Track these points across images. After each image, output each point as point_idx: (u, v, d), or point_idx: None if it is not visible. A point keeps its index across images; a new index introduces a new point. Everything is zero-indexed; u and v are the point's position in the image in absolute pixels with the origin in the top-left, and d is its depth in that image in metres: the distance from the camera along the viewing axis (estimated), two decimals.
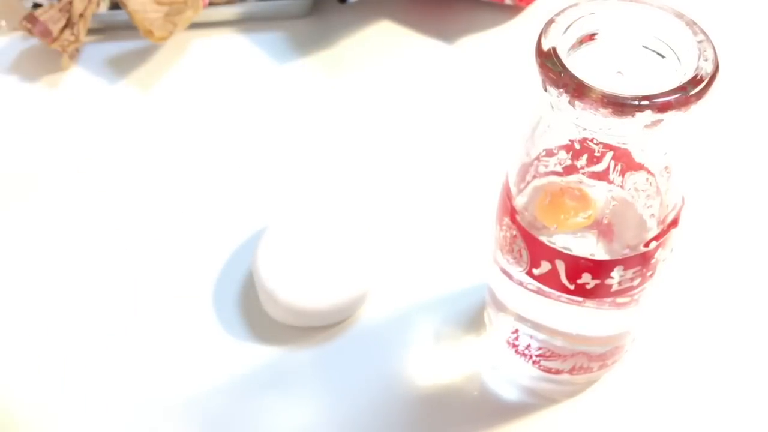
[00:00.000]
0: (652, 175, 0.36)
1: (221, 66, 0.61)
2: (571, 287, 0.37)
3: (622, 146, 0.34)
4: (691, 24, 0.33)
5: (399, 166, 0.54)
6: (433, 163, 0.54)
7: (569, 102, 0.31)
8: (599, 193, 0.36)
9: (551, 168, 0.36)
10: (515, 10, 0.63)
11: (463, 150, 0.55)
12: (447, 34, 0.62)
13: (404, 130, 0.56)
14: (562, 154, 0.35)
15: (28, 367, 0.45)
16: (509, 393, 0.44)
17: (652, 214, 0.36)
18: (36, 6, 0.60)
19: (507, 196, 0.37)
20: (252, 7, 0.63)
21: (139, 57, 0.61)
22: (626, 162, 0.35)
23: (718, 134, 0.54)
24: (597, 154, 0.34)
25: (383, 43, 0.62)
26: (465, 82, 0.59)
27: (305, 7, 0.63)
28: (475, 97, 0.58)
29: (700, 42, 0.32)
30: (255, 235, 0.50)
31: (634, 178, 0.36)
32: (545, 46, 0.32)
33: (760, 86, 0.58)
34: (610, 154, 0.35)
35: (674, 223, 0.36)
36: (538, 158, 0.36)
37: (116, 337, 0.46)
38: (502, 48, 0.61)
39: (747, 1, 0.63)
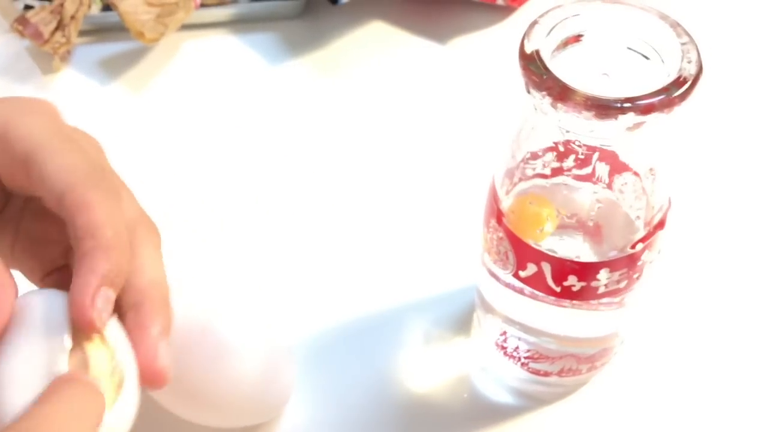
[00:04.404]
0: (638, 176, 0.36)
1: (213, 67, 0.61)
2: (558, 289, 0.37)
3: (607, 148, 0.34)
4: (675, 26, 0.33)
5: (390, 166, 0.54)
6: (424, 164, 0.54)
7: (552, 105, 0.31)
8: (585, 194, 0.36)
9: (538, 170, 0.36)
10: (507, 10, 0.63)
11: (455, 151, 0.55)
12: (439, 34, 0.62)
13: (396, 130, 0.56)
14: (548, 157, 0.35)
15: None
16: (498, 395, 0.44)
17: (639, 216, 0.36)
18: (27, 8, 0.60)
19: (493, 198, 0.37)
20: (244, 9, 0.63)
21: (131, 59, 0.61)
22: (612, 163, 0.35)
23: (704, 136, 0.54)
24: (581, 156, 0.34)
25: (375, 43, 0.62)
26: (457, 83, 0.59)
27: (297, 8, 0.63)
28: (467, 97, 0.58)
29: (683, 44, 0.32)
30: None
31: (620, 179, 0.36)
32: (528, 49, 0.32)
33: (744, 88, 0.58)
34: (595, 156, 0.35)
35: (661, 224, 0.36)
36: (523, 161, 0.36)
37: None
38: (495, 48, 0.61)
39: (731, 3, 0.63)
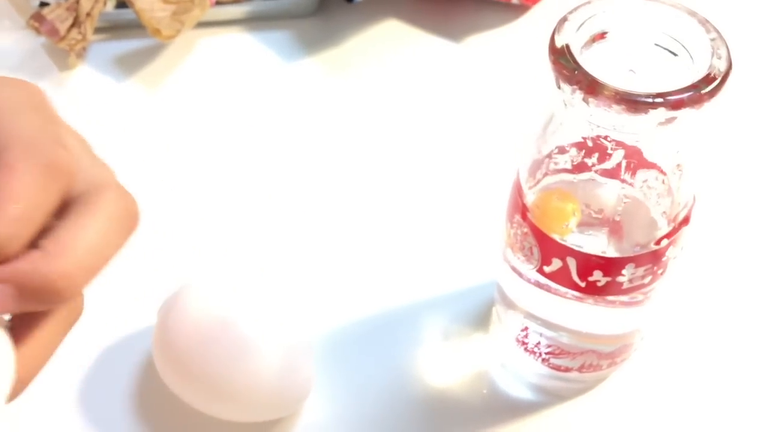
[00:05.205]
0: (664, 173, 0.36)
1: (228, 65, 0.61)
2: (582, 285, 0.37)
3: (635, 144, 0.34)
4: (704, 22, 0.33)
5: (408, 164, 0.54)
6: (441, 161, 0.54)
7: (583, 99, 0.31)
8: (611, 191, 0.36)
9: (562, 165, 0.37)
10: (521, 9, 0.63)
11: (471, 148, 0.55)
12: (453, 33, 0.62)
13: (412, 128, 0.56)
14: (574, 152, 0.36)
15: None
16: (518, 391, 0.44)
17: (664, 212, 0.36)
18: (43, 5, 0.60)
19: (518, 193, 0.38)
20: (259, 6, 0.63)
21: (146, 56, 0.61)
22: (638, 160, 0.35)
23: (730, 132, 0.54)
24: (609, 151, 0.34)
25: (390, 42, 0.62)
26: (472, 81, 0.59)
27: (311, 6, 0.63)
28: (483, 95, 0.58)
29: (713, 40, 0.32)
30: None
31: (646, 176, 0.36)
32: (559, 44, 0.32)
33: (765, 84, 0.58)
34: (621, 152, 0.35)
35: (685, 221, 0.37)
36: (549, 155, 0.36)
37: None
38: (509, 47, 0.61)
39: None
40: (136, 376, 0.45)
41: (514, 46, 0.61)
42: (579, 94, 0.31)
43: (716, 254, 0.49)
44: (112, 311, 0.47)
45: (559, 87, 0.32)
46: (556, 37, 0.32)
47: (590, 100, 0.31)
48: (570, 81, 0.31)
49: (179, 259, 0.50)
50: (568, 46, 0.32)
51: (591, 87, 0.31)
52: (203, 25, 0.61)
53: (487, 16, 0.63)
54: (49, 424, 0.43)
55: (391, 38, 0.62)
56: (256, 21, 0.63)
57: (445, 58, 0.61)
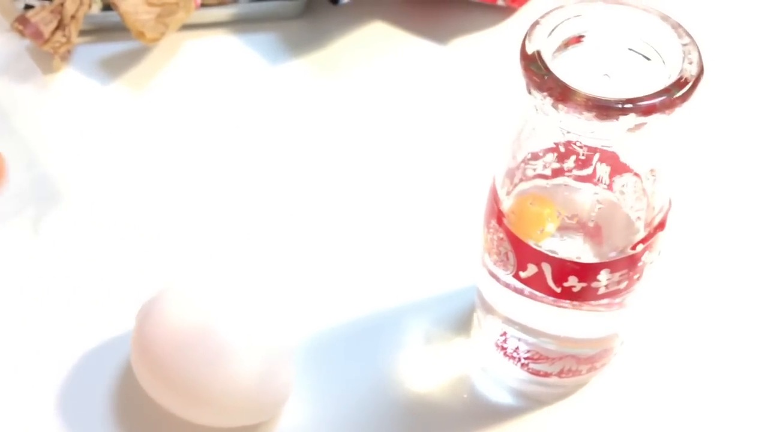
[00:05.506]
0: (639, 177, 0.36)
1: (213, 67, 0.61)
2: (558, 290, 0.37)
3: (608, 149, 0.34)
4: (677, 27, 0.33)
5: (390, 167, 0.54)
6: (424, 164, 0.54)
7: (553, 105, 0.31)
8: (585, 195, 0.36)
9: (538, 171, 0.36)
10: (508, 11, 0.63)
11: (455, 151, 0.55)
12: (439, 35, 0.62)
13: (396, 131, 0.56)
14: (548, 157, 0.35)
15: None
16: (498, 395, 0.44)
17: (639, 217, 0.36)
18: (28, 7, 0.60)
19: (494, 199, 0.37)
20: (244, 9, 0.63)
21: (131, 58, 0.61)
22: (613, 164, 0.35)
23: (705, 137, 0.54)
24: (582, 157, 0.34)
25: (376, 44, 0.62)
26: (458, 84, 0.59)
27: (298, 9, 0.63)
28: (468, 98, 0.58)
29: (685, 45, 0.32)
30: None
31: (621, 180, 0.36)
32: (529, 50, 0.32)
33: (745, 89, 0.58)
34: (596, 157, 0.35)
35: (661, 225, 0.36)
36: (524, 161, 0.36)
37: None
38: (495, 49, 0.61)
39: (733, 4, 0.63)
40: (115, 380, 0.45)
41: (500, 49, 0.61)
42: (549, 101, 0.31)
43: (693, 259, 0.48)
44: (93, 313, 0.47)
45: (530, 93, 0.32)
46: (527, 43, 0.32)
47: (560, 106, 0.31)
48: (540, 87, 0.31)
49: (164, 261, 0.50)
50: (539, 52, 0.32)
51: (561, 93, 0.31)
52: (188, 27, 0.61)
53: (474, 18, 0.63)
54: (26, 428, 0.43)
55: (377, 40, 0.62)
56: (241, 23, 0.63)
57: (432, 60, 0.61)
